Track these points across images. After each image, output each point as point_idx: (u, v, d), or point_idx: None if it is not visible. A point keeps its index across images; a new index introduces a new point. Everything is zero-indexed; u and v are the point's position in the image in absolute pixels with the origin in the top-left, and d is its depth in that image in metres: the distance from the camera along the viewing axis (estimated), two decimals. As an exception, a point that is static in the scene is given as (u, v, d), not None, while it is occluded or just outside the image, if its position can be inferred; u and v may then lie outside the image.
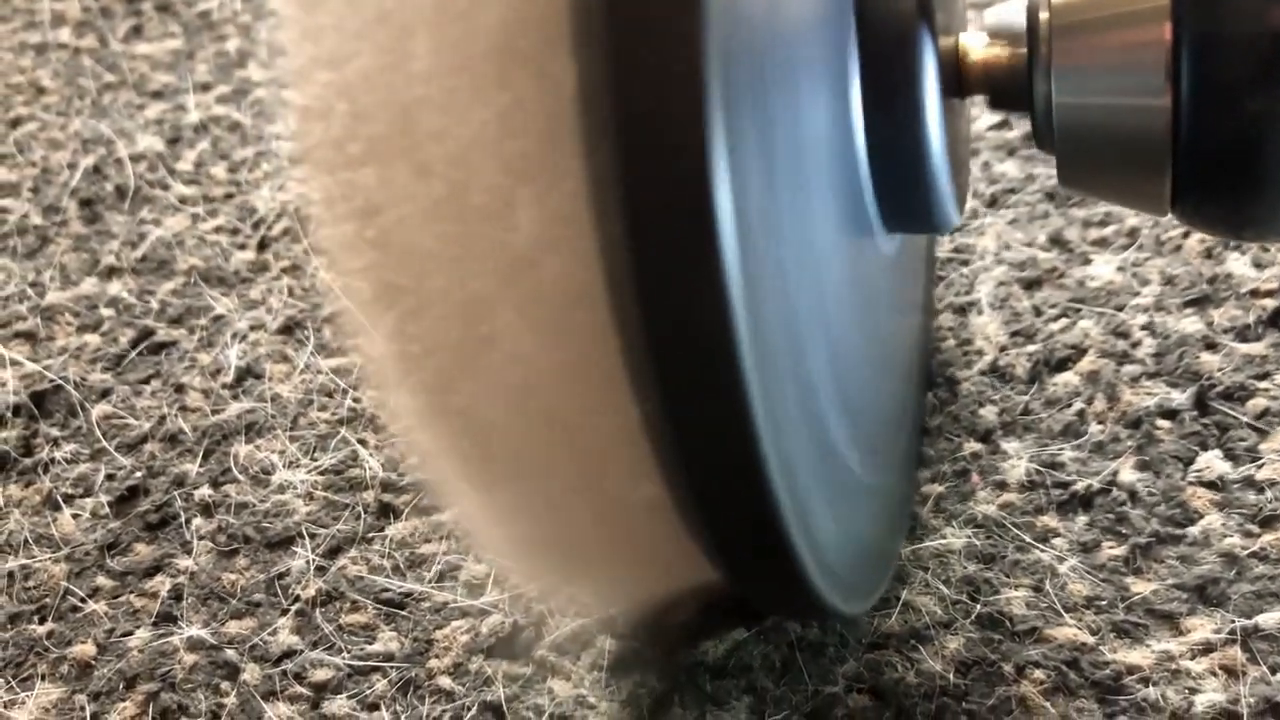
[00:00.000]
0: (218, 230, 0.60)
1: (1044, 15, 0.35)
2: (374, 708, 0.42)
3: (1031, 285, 0.52)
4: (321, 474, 0.49)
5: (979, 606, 0.42)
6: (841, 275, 0.35)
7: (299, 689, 0.43)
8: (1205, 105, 0.33)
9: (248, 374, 0.53)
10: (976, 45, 0.38)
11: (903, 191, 0.37)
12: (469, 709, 0.41)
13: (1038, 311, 0.51)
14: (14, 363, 0.55)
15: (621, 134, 0.26)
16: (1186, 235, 0.53)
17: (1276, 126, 0.32)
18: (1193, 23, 0.32)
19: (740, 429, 0.28)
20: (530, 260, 0.31)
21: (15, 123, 0.68)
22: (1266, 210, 0.34)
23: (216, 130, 0.66)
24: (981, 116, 0.59)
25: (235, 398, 0.52)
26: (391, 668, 0.43)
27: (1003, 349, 0.50)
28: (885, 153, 0.36)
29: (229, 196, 0.62)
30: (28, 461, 0.51)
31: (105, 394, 0.53)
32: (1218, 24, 0.32)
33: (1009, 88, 0.38)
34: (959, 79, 0.38)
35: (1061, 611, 0.41)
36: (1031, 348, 0.50)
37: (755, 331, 0.27)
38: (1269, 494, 0.44)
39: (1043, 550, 0.43)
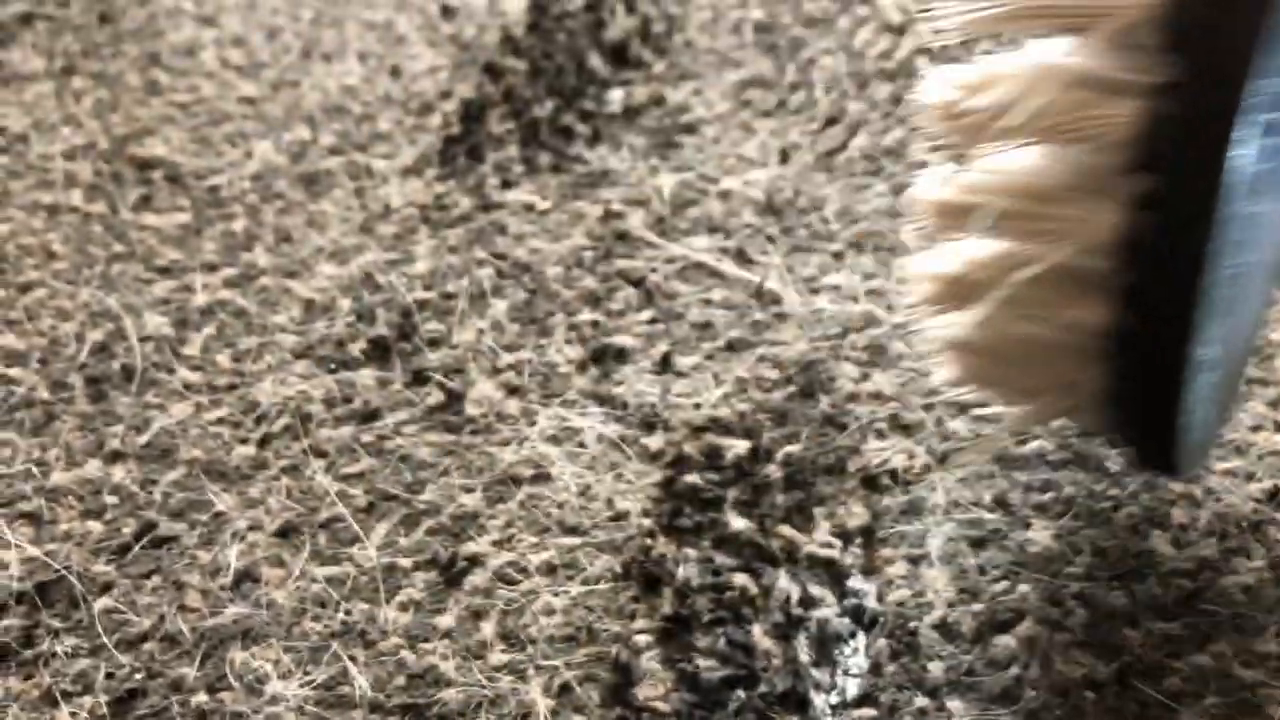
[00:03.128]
0: (220, 421, 0.63)
1: None
2: None
3: (977, 544, 0.57)
4: (313, 688, 0.52)
5: None
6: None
7: None
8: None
9: (245, 576, 0.56)
10: None
11: None
12: None
13: (982, 570, 0.56)
14: (17, 546, 0.57)
15: None
16: (1116, 509, 0.58)
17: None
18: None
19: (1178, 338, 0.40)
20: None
21: (25, 288, 0.72)
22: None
23: (222, 315, 0.69)
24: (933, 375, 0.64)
25: (232, 600, 0.55)
26: None
27: (951, 605, 0.55)
28: None
29: (232, 387, 0.65)
30: (28, 654, 0.53)
31: (107, 587, 0.56)
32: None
33: None
34: None
35: None
36: (976, 607, 0.55)
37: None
38: (1180, 773, 0.49)
39: (979, 816, 0.48)
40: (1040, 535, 0.57)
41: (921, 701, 0.51)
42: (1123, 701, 0.51)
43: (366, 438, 0.62)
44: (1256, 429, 0.61)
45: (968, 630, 0.54)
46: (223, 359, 0.67)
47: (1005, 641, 0.53)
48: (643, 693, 0.52)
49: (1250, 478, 0.59)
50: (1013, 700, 0.51)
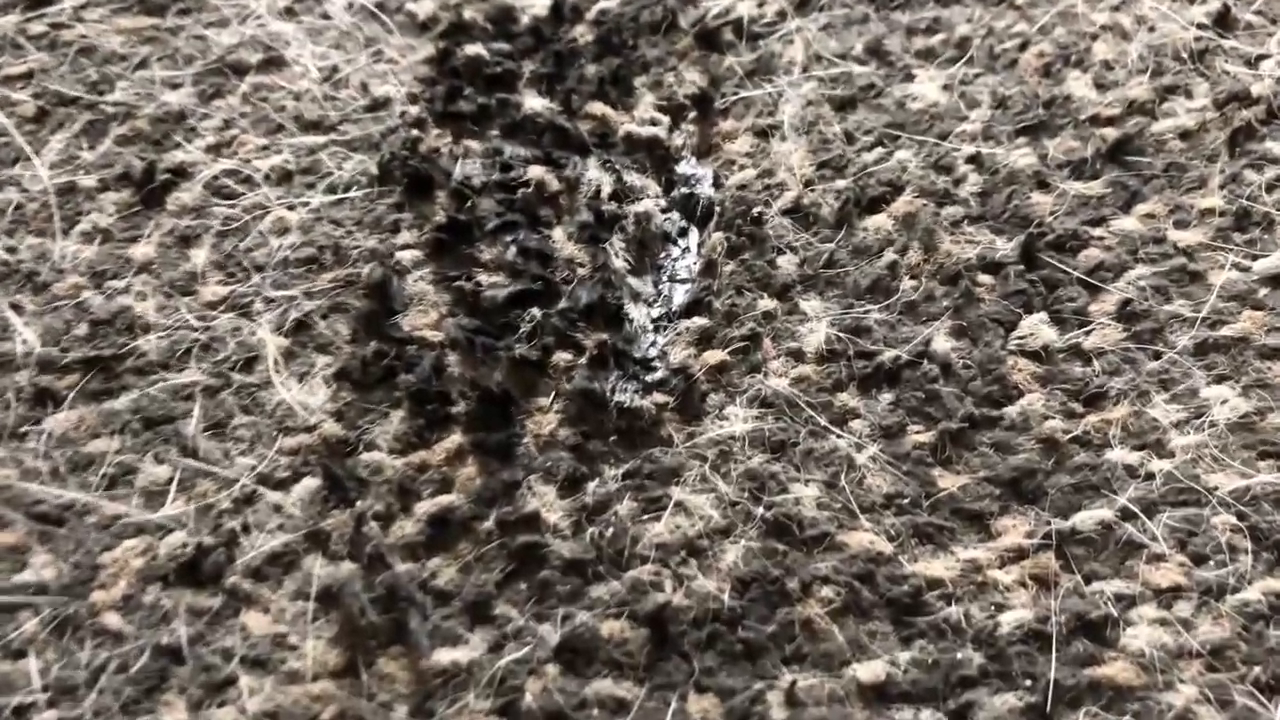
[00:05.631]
0: None
1: None
2: (19, 655, 0.33)
3: (844, 106, 0.44)
4: (-40, 350, 0.39)
5: (762, 509, 0.35)
6: None
7: (-79, 635, 0.34)
8: None
9: None
10: None
11: None
12: (139, 654, 0.33)
13: (849, 138, 0.43)
14: None
15: None
16: (1024, 47, 0.45)
17: None
18: None
19: None
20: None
21: None
22: None
23: None
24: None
25: None
26: (44, 602, 0.34)
27: (808, 184, 0.42)
28: None
29: None
30: None
31: None
32: None
33: None
34: None
35: (857, 513, 0.35)
36: (841, 183, 0.42)
37: None
38: (1096, 366, 0.38)
39: (840, 436, 0.37)
40: (925, 88, 0.44)
41: (767, 304, 0.39)
42: (1029, 282, 0.39)
43: (35, 29, 0.46)
44: (1203, -62, 0.47)
45: (829, 213, 0.41)
46: None
47: (877, 222, 0.41)
48: (409, 321, 0.39)
49: (1193, 0, 0.46)
50: (886, 294, 0.39)
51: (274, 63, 0.45)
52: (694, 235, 0.42)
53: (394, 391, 0.38)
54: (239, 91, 0.44)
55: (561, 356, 0.38)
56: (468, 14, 0.46)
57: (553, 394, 0.38)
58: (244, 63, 0.45)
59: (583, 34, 0.46)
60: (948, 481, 0.36)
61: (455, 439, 0.37)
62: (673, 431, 0.37)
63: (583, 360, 0.38)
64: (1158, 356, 0.38)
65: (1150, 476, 0.36)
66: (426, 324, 0.39)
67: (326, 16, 0.46)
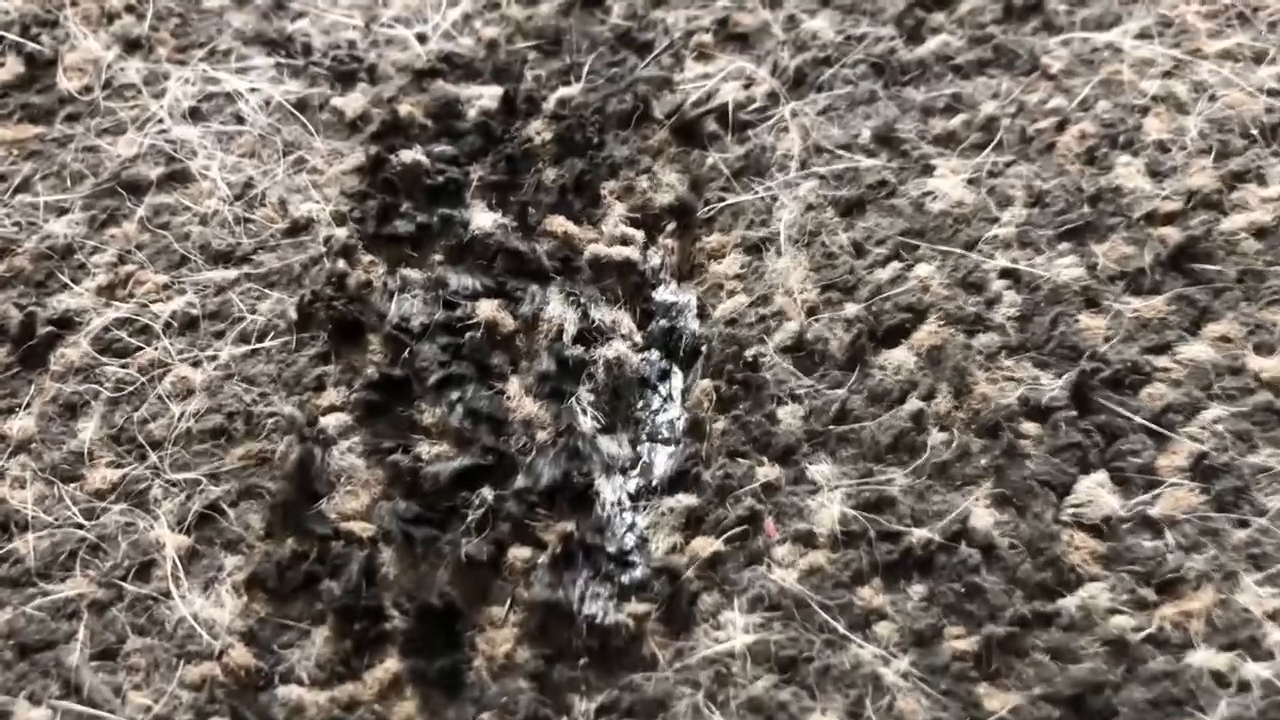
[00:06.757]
0: None
1: None
2: None
3: (851, 209, 0.37)
4: None
5: (769, 752, 0.29)
6: None
7: None
8: None
9: None
10: None
11: None
12: None
13: (859, 250, 0.36)
14: None
15: None
16: (1061, 127, 0.38)
17: None
18: None
19: None
20: None
21: None
22: None
23: None
24: (785, -53, 0.42)
25: None
26: None
27: (811, 312, 0.35)
28: None
29: None
30: None
31: None
32: None
33: None
34: None
35: (886, 751, 0.29)
36: (851, 309, 0.35)
37: None
38: (1170, 539, 0.31)
39: (862, 646, 0.30)
40: (947, 183, 0.37)
41: (768, 472, 0.32)
42: (1083, 432, 0.32)
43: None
44: (1267, -18, 0.40)
45: (837, 348, 0.34)
46: None
47: (897, 359, 0.34)
48: (335, 507, 0.33)
49: (1261, 59, 0.39)
50: (911, 452, 0.33)
51: (177, 177, 0.38)
52: (677, 378, 0.35)
53: (316, 603, 0.31)
54: (136, 216, 0.38)
55: (518, 555, 0.31)
56: (404, 109, 0.39)
57: (508, 601, 0.31)
58: (142, 179, 0.38)
59: (539, 130, 0.39)
60: (995, 702, 0.29)
61: (390, 665, 0.30)
62: (657, 649, 0.30)
63: (543, 559, 0.31)
64: (1244, 525, 0.31)
65: (1244, 687, 0.29)
66: (355, 510, 0.32)
67: (239, 119, 0.39)
